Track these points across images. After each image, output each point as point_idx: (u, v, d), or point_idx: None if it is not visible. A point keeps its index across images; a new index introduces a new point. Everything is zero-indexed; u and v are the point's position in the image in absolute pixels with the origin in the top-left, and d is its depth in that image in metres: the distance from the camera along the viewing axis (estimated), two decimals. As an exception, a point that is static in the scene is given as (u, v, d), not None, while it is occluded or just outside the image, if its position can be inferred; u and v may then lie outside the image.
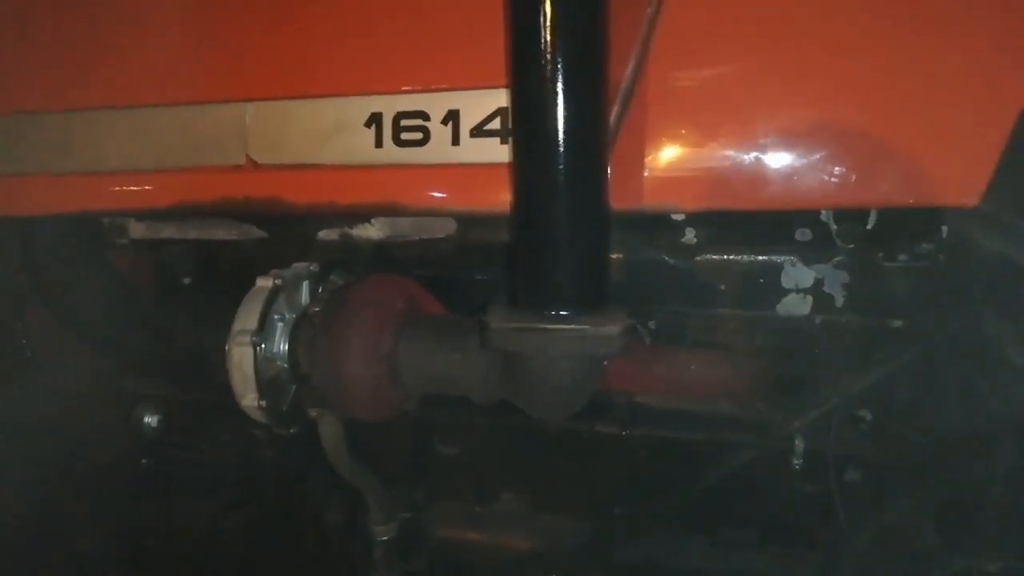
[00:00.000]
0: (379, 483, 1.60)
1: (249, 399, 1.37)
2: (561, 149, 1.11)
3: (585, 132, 1.14)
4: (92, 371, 1.80)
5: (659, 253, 1.50)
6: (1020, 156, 1.16)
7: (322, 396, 1.40)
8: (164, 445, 1.85)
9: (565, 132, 1.11)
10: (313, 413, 1.46)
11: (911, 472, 1.46)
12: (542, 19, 1.08)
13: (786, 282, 1.46)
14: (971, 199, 1.19)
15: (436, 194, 1.45)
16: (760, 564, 1.63)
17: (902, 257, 1.36)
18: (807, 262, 1.44)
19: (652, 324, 1.57)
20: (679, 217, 1.41)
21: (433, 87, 1.41)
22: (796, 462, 1.47)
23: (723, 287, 1.50)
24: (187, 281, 1.80)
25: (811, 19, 1.25)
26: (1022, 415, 1.17)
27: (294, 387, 1.46)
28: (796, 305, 1.47)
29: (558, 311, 1.15)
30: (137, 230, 1.73)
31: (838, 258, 1.41)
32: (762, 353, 1.53)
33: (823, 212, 1.36)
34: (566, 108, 1.10)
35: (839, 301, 1.44)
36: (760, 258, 1.47)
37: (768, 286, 1.47)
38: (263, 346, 1.38)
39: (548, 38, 1.09)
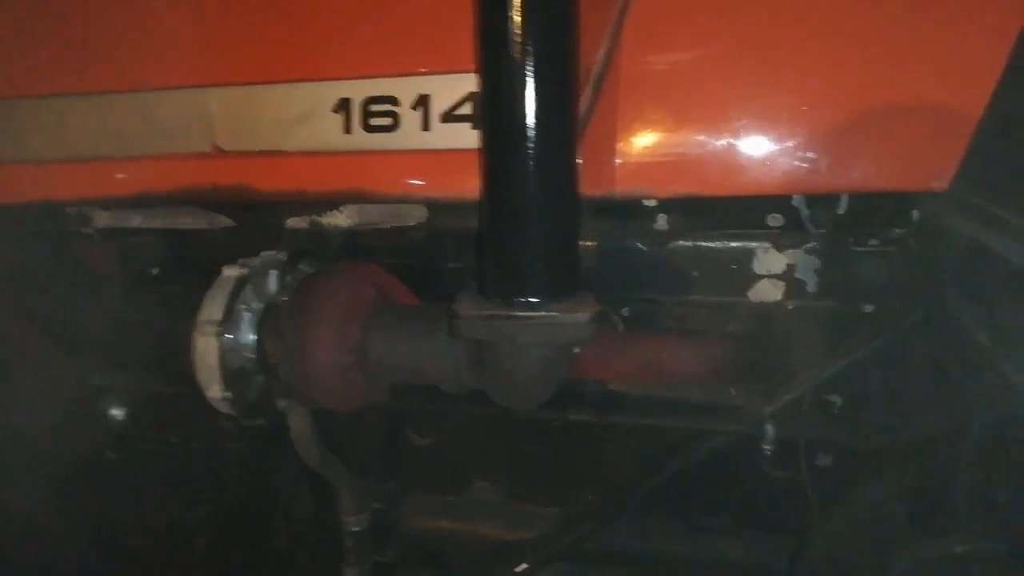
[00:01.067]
0: (350, 474, 1.58)
1: (214, 390, 1.34)
2: (530, 135, 1.10)
3: (555, 118, 1.13)
4: (56, 364, 1.76)
5: (631, 240, 1.49)
6: (990, 140, 1.17)
7: (290, 387, 1.38)
8: (130, 438, 1.82)
9: (534, 117, 1.09)
10: (282, 404, 1.44)
11: (881, 456, 1.47)
12: (512, 2, 1.06)
13: (758, 268, 1.46)
14: (942, 183, 1.19)
15: (406, 180, 1.43)
16: (732, 549, 1.64)
17: (873, 242, 1.36)
18: (779, 248, 1.43)
19: (625, 311, 1.56)
20: (651, 203, 1.40)
21: (403, 72, 1.39)
22: (767, 448, 1.47)
23: (695, 273, 1.49)
24: (154, 271, 1.76)
25: (784, 4, 1.25)
26: (991, 398, 1.17)
27: (261, 378, 1.43)
28: (768, 291, 1.47)
29: (527, 298, 1.14)
30: (102, 219, 1.69)
31: (810, 244, 1.41)
32: (734, 339, 1.53)
33: (794, 197, 1.36)
34: (536, 93, 1.09)
35: (811, 287, 1.44)
36: (732, 244, 1.47)
37: (740, 272, 1.47)
38: (229, 336, 1.35)
39: (518, 22, 1.07)
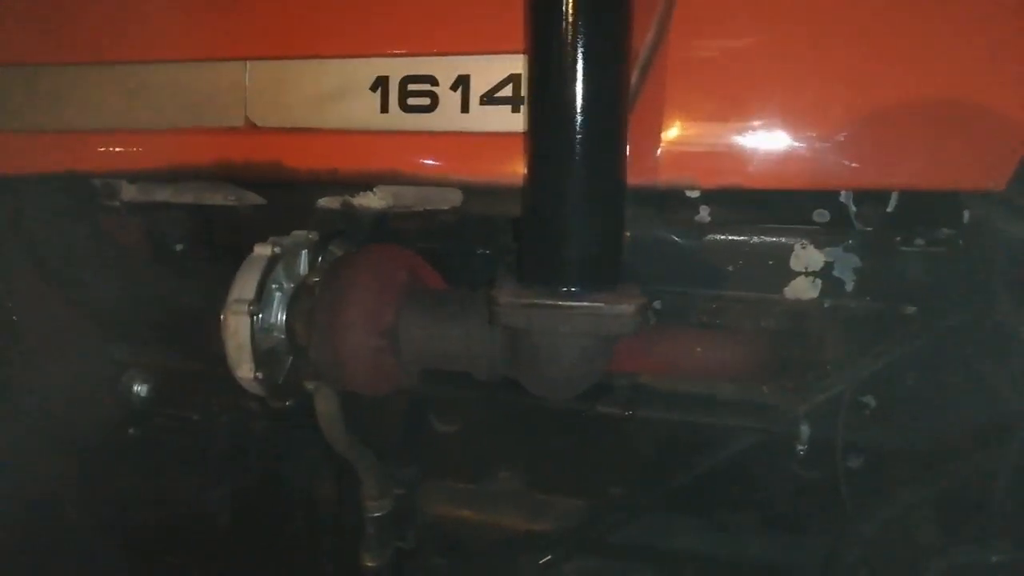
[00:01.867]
0: (374, 458, 1.56)
1: (245, 370, 1.33)
2: (579, 119, 1.07)
3: (605, 103, 1.10)
4: (80, 338, 1.74)
5: (668, 232, 1.46)
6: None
7: (319, 369, 1.36)
8: (153, 415, 1.80)
9: (584, 101, 1.07)
10: (309, 386, 1.42)
11: (915, 460, 1.45)
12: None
13: (795, 264, 1.43)
14: (998, 183, 1.16)
15: (444, 163, 1.40)
16: (759, 549, 1.62)
17: (919, 241, 1.32)
18: (818, 245, 1.40)
19: (657, 304, 1.53)
20: (694, 194, 1.37)
21: (443, 51, 1.36)
22: (800, 448, 1.45)
23: (731, 268, 1.46)
24: (181, 247, 1.74)
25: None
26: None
27: (290, 359, 1.42)
28: (805, 288, 1.44)
29: (570, 288, 1.12)
30: (130, 192, 1.67)
31: (849, 241, 1.38)
32: (768, 336, 1.50)
33: (843, 193, 1.32)
34: (586, 76, 1.06)
35: (849, 285, 1.41)
36: (770, 239, 1.44)
37: (777, 268, 1.44)
38: (260, 316, 1.34)
39: (569, 2, 1.04)
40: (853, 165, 1.21)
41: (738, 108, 1.25)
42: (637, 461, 1.66)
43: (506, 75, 1.32)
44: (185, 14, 1.54)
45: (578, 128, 1.07)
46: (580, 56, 1.05)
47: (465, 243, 1.59)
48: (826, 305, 1.44)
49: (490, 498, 1.76)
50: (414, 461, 1.79)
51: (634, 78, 1.25)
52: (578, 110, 1.06)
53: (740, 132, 1.25)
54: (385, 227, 1.55)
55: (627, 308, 1.08)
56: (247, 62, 1.47)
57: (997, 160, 1.15)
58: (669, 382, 1.57)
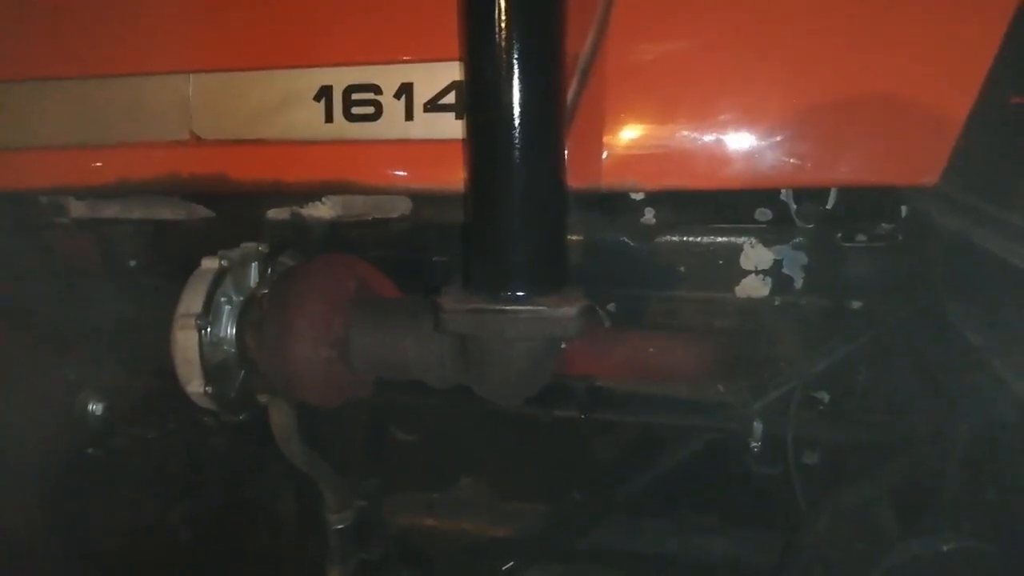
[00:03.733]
0: (332, 470, 1.56)
1: (194, 385, 1.32)
2: (516, 125, 1.07)
3: (541, 108, 1.10)
4: (34, 360, 1.72)
5: (617, 234, 1.47)
6: (979, 135, 1.16)
7: (271, 381, 1.35)
8: (109, 434, 1.78)
9: (520, 107, 1.07)
10: (263, 399, 1.41)
11: (869, 454, 1.46)
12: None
13: (745, 263, 1.44)
14: (931, 178, 1.18)
15: (390, 171, 1.40)
16: (720, 546, 1.63)
17: (861, 237, 1.34)
18: (766, 243, 1.42)
19: (611, 306, 1.54)
20: (638, 196, 1.38)
21: (386, 59, 1.36)
22: (754, 444, 1.46)
23: (682, 268, 1.48)
24: (132, 263, 1.72)
25: (774, -4, 1.23)
26: (979, 396, 1.17)
27: (242, 372, 1.41)
28: (755, 287, 1.45)
29: (514, 292, 1.12)
30: (77, 209, 1.66)
31: (797, 239, 1.40)
32: (721, 335, 1.51)
33: (783, 191, 1.34)
34: (521, 82, 1.06)
35: (798, 282, 1.43)
36: (719, 239, 1.45)
37: (727, 267, 1.45)
38: (209, 330, 1.33)
39: (503, 8, 1.04)
40: (791, 163, 1.23)
41: (677, 111, 1.27)
42: (597, 464, 1.67)
43: (449, 82, 1.32)
44: (127, 28, 1.53)
45: (514, 134, 1.07)
46: (514, 62, 1.05)
47: (418, 250, 1.59)
48: (777, 303, 1.46)
49: (453, 506, 1.76)
50: (376, 471, 1.78)
51: (573, 83, 1.26)
52: (514, 115, 1.06)
53: (680, 134, 1.26)
54: (337, 236, 1.55)
55: (570, 311, 1.09)
56: (190, 75, 1.46)
57: (929, 155, 1.17)
58: (625, 384, 1.58)
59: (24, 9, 1.57)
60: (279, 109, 1.41)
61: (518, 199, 1.11)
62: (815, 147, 1.23)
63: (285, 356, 1.29)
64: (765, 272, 1.44)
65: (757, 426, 1.43)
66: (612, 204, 1.40)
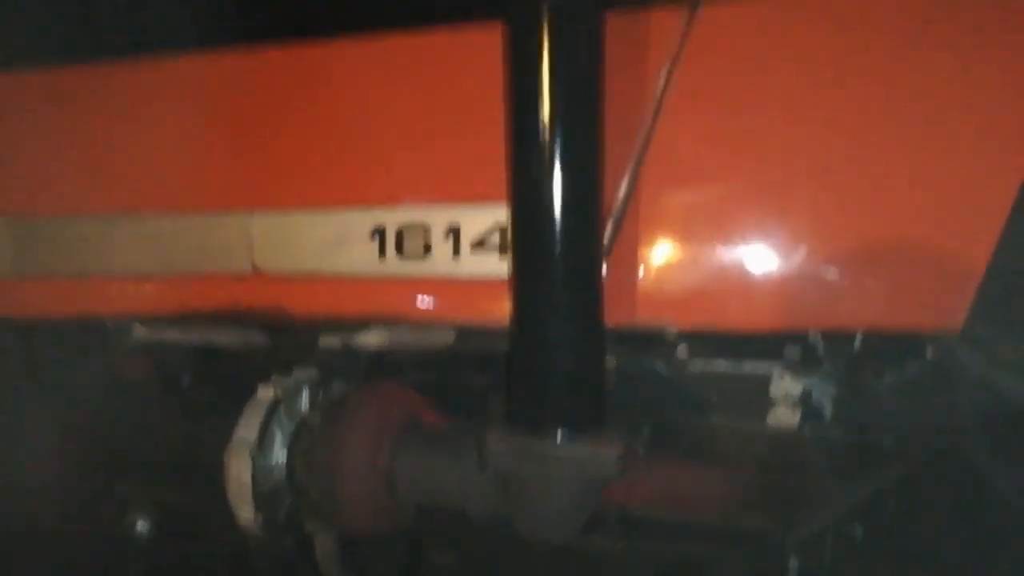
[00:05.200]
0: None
1: (245, 511, 1.37)
2: (560, 267, 1.16)
3: (582, 251, 1.20)
4: (88, 478, 1.78)
5: (651, 363, 1.53)
6: (1002, 279, 1.21)
7: (320, 508, 1.40)
8: (155, 551, 1.82)
9: (561, 252, 1.16)
10: (309, 527, 1.45)
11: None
12: (540, 146, 1.15)
13: (775, 392, 1.48)
14: (953, 322, 1.23)
15: (436, 306, 1.49)
16: None
17: (888, 376, 1.39)
18: (795, 374, 1.46)
19: (645, 432, 1.58)
20: (672, 334, 1.45)
21: (435, 201, 1.47)
22: (792, 580, 1.46)
23: (714, 398, 1.52)
24: (186, 383, 1.80)
25: (798, 142, 1.32)
26: (1009, 537, 1.18)
27: (291, 499, 1.46)
28: (786, 416, 1.49)
29: (557, 432, 1.17)
30: (141, 333, 1.75)
31: (826, 371, 1.44)
32: (754, 466, 1.54)
33: (811, 333, 1.40)
34: (563, 226, 1.16)
35: (828, 413, 1.46)
36: (749, 371, 1.50)
37: (758, 397, 1.49)
38: (261, 457, 1.39)
39: (546, 157, 1.15)
40: (818, 307, 1.29)
41: (710, 254, 1.35)
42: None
43: (492, 223, 1.42)
44: (194, 169, 1.66)
45: (557, 276, 1.16)
46: (557, 210, 1.15)
47: (460, 375, 1.65)
48: (807, 433, 1.49)
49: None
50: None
51: (609, 227, 1.35)
52: (555, 260, 1.16)
53: (713, 276, 1.34)
54: (383, 361, 1.63)
55: (611, 454, 1.14)
56: (254, 214, 1.58)
57: (952, 299, 1.23)
58: (661, 513, 1.59)
59: (100, 150, 1.72)
60: (336, 246, 1.52)
61: (559, 340, 1.18)
62: (840, 292, 1.29)
63: (335, 490, 1.34)
64: (795, 401, 1.47)
65: (794, 562, 1.44)
66: (647, 339, 1.46)
